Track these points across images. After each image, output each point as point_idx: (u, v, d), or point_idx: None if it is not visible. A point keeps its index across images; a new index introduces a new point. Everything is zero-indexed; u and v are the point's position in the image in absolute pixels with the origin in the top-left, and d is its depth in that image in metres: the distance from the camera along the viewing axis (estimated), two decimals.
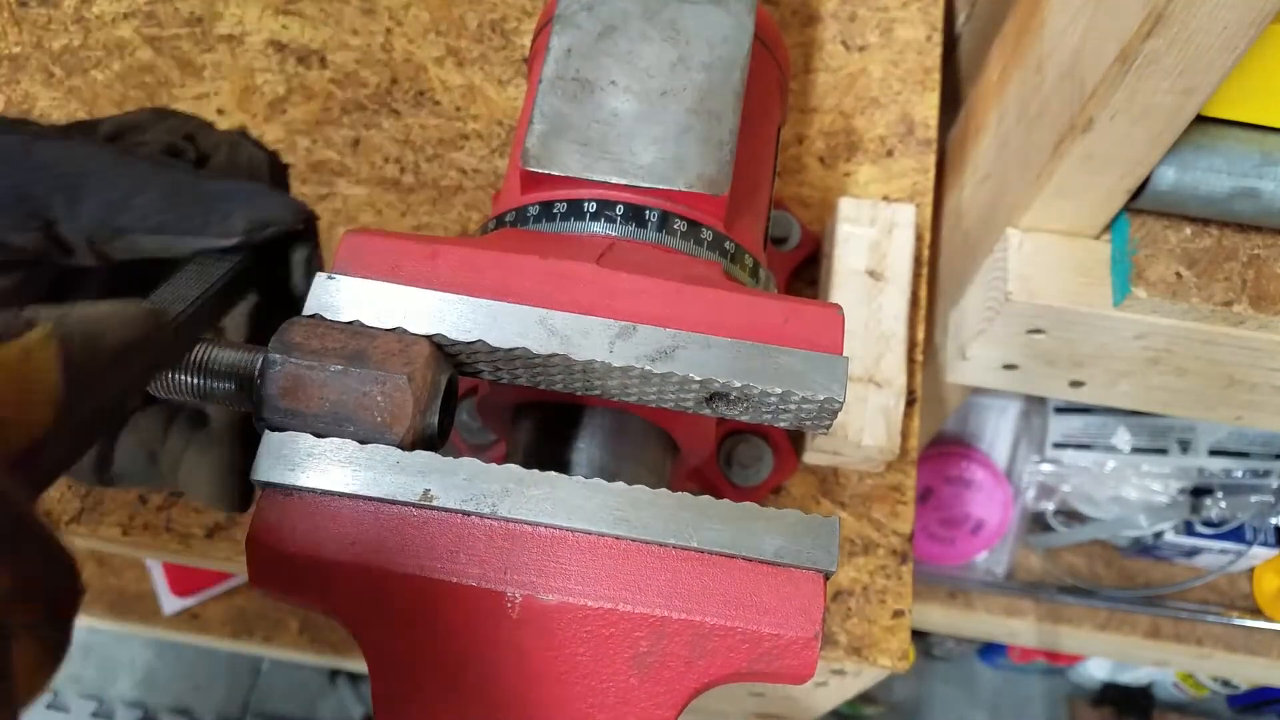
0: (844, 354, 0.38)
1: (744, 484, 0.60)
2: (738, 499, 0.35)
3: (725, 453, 0.61)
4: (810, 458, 0.63)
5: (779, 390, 0.36)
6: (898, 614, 0.61)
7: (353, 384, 0.35)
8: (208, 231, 0.38)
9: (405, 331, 0.37)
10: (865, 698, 1.55)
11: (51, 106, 0.71)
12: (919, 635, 1.54)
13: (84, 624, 1.27)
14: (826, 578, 0.35)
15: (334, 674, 1.55)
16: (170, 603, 1.19)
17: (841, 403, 0.37)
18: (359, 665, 1.23)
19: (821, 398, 0.37)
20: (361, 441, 0.35)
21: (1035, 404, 1.10)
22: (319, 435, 0.35)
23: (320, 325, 0.36)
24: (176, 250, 0.38)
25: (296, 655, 1.20)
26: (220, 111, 0.72)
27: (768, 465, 0.61)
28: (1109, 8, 0.49)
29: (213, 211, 0.38)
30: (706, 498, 0.35)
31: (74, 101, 0.72)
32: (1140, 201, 0.56)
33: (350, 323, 0.37)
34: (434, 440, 0.37)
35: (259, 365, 0.36)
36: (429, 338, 0.37)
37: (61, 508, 0.61)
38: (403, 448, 0.35)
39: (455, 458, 0.36)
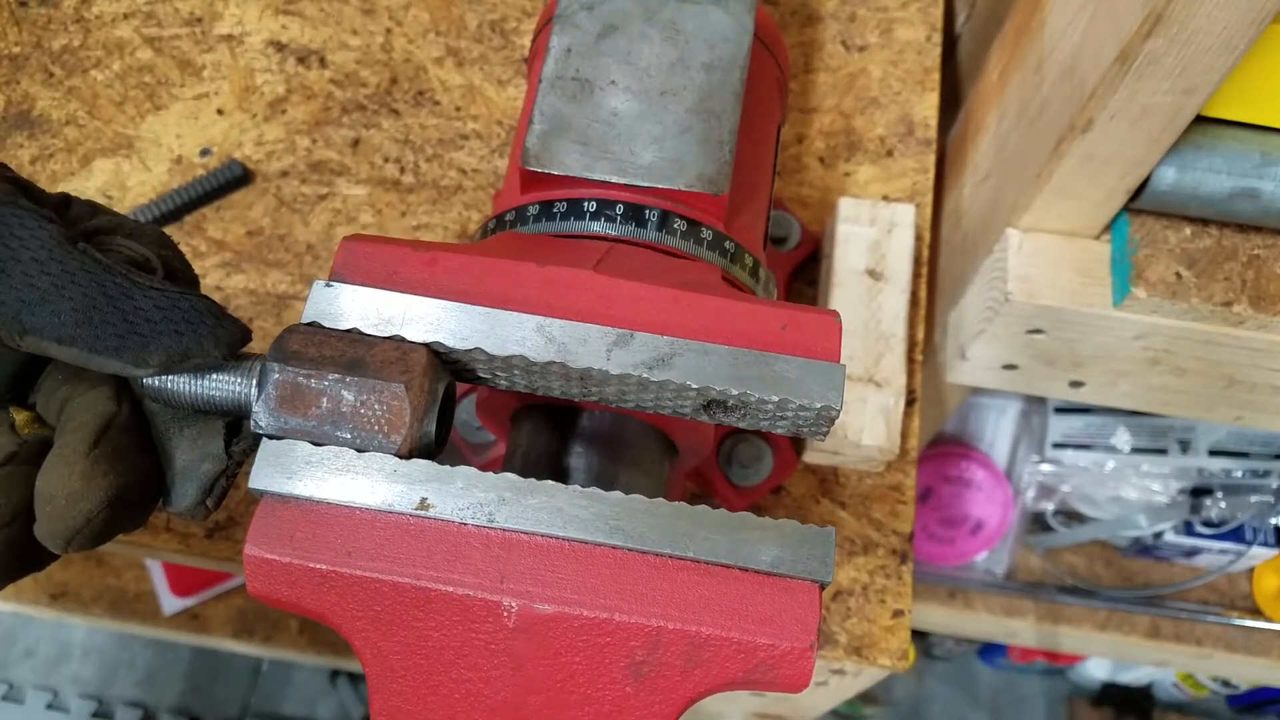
0: (841, 361, 0.37)
1: (744, 484, 0.60)
2: (737, 499, 0.35)
3: (725, 452, 0.61)
4: (810, 457, 0.63)
5: (776, 398, 0.36)
6: (897, 614, 0.61)
7: (350, 392, 0.35)
8: (122, 356, 0.35)
9: (403, 339, 0.37)
10: (865, 698, 1.55)
11: (51, 106, 0.71)
12: (919, 635, 1.54)
13: (84, 624, 1.27)
14: (822, 588, 0.35)
15: (334, 674, 1.56)
16: (170, 603, 1.19)
17: (839, 410, 0.37)
18: (359, 665, 1.23)
19: (818, 405, 0.37)
20: (359, 450, 0.35)
21: (1035, 404, 1.10)
22: (316, 443, 0.35)
23: (318, 333, 0.36)
24: (89, 365, 0.36)
25: (296, 655, 1.20)
26: (220, 111, 0.72)
27: (768, 465, 0.61)
28: (1109, 8, 0.49)
29: (131, 334, 0.35)
30: (703, 507, 0.35)
31: (74, 101, 0.72)
32: (1140, 202, 0.56)
33: (348, 331, 0.37)
34: (431, 448, 0.37)
35: (257, 373, 0.36)
36: (426, 345, 0.37)
37: None
38: (400, 456, 0.35)
39: (453, 464, 0.35)
